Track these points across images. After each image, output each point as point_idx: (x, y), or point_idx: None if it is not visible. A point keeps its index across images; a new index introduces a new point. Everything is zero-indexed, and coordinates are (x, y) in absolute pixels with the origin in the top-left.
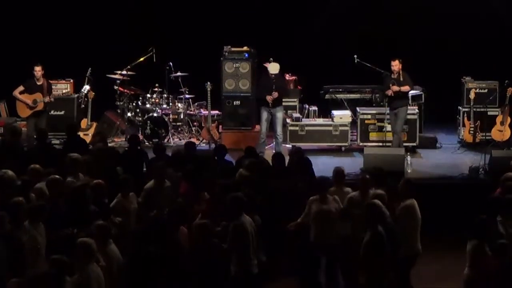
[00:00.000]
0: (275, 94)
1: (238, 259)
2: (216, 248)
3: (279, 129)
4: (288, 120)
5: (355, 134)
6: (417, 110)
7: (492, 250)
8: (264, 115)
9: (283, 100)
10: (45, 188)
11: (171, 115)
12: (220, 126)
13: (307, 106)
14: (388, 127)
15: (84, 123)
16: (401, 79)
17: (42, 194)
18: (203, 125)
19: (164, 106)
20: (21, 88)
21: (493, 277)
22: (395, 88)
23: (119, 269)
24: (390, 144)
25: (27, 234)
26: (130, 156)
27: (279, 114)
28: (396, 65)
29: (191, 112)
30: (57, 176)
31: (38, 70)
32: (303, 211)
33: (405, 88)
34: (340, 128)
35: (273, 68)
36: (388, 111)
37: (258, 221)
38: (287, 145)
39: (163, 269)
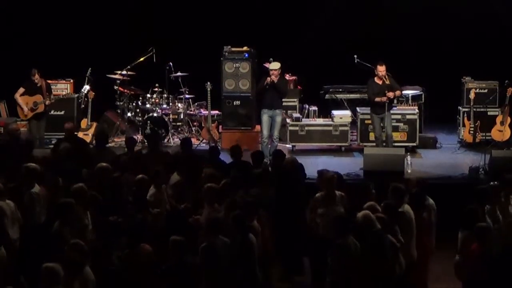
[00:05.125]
0: (274, 77)
1: (206, 282)
2: (188, 267)
3: (276, 132)
4: (288, 120)
5: (355, 134)
6: (417, 110)
7: (474, 235)
8: (265, 118)
9: (283, 100)
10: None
11: (171, 115)
12: (220, 126)
13: (307, 106)
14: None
15: (84, 123)
16: (389, 83)
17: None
18: (203, 125)
19: (164, 106)
20: (21, 90)
21: (479, 264)
22: (391, 94)
23: None
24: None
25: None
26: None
27: (278, 119)
28: (384, 70)
29: (191, 112)
30: (105, 164)
31: (36, 78)
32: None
33: (398, 93)
34: (340, 128)
35: (273, 65)
36: (373, 116)
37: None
38: (287, 145)
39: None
